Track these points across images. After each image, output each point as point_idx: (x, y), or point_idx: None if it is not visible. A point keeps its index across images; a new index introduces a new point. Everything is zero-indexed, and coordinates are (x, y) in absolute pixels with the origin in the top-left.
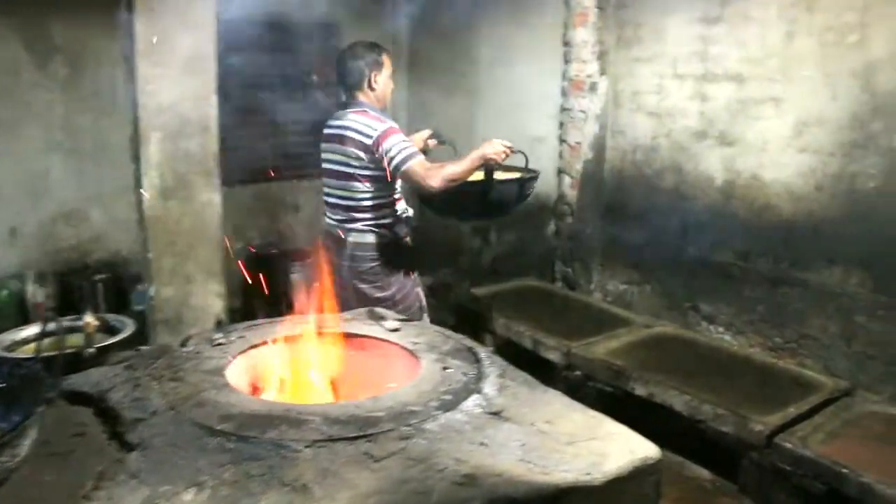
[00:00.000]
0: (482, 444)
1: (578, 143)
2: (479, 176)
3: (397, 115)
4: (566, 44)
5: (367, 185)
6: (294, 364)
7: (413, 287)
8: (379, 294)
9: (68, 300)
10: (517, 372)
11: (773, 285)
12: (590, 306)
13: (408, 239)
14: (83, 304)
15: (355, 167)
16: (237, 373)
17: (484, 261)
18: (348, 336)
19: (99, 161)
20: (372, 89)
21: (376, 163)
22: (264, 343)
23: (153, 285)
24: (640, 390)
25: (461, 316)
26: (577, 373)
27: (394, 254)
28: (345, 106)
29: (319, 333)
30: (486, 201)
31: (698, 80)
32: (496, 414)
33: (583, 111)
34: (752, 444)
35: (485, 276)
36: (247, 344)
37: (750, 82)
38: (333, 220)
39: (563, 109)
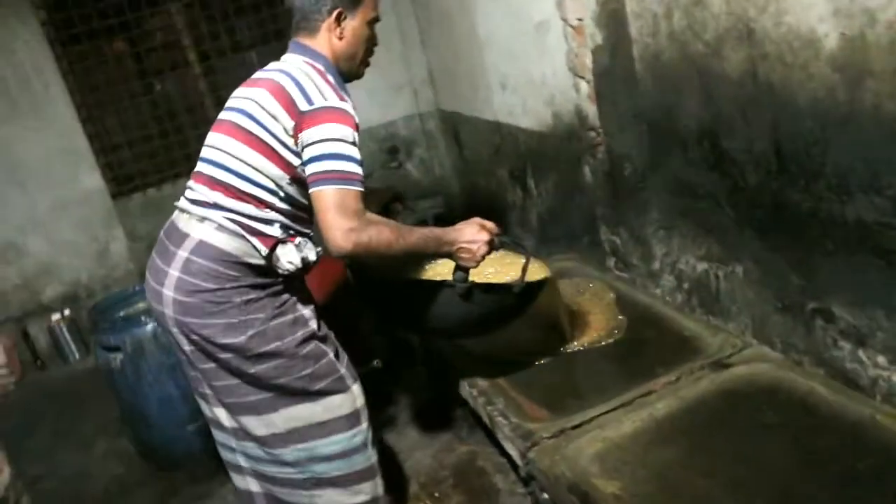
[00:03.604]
0: None
1: (581, 19)
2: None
3: None
4: None
5: (278, 170)
6: None
7: (289, 325)
8: (224, 339)
9: None
10: None
11: None
12: (635, 310)
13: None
14: None
15: (267, 130)
16: None
17: (530, 219)
18: None
19: None
20: (339, 39)
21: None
22: None
23: None
24: None
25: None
26: (545, 496)
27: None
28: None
29: None
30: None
31: None
32: None
33: None
34: None
35: (533, 243)
36: None
37: None
38: (189, 198)
39: None
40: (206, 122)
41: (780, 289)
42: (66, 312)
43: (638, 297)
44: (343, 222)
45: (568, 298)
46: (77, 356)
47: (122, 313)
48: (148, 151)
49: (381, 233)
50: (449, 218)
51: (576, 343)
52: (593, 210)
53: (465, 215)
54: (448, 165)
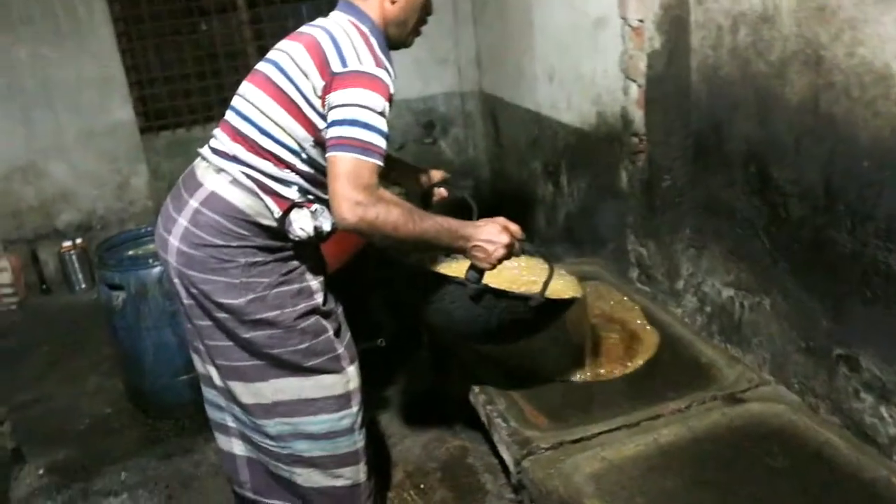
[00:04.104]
0: None
1: (641, 21)
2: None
3: None
4: None
5: (303, 131)
6: None
7: (292, 295)
8: (223, 299)
9: None
10: None
11: None
12: (652, 327)
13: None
14: None
15: (297, 88)
16: None
17: (558, 217)
18: None
19: None
20: (392, 3)
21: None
22: None
23: None
24: None
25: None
26: None
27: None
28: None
29: None
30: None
31: None
32: None
33: None
34: None
35: (557, 242)
36: None
37: None
38: (211, 146)
39: None
40: (245, 70)
41: (806, 329)
42: (78, 241)
43: (657, 313)
44: (352, 194)
45: (593, 305)
46: (83, 286)
47: (130, 252)
48: (183, 91)
49: (391, 213)
50: (477, 201)
51: (613, 371)
52: (624, 218)
53: (493, 202)
54: (482, 149)
